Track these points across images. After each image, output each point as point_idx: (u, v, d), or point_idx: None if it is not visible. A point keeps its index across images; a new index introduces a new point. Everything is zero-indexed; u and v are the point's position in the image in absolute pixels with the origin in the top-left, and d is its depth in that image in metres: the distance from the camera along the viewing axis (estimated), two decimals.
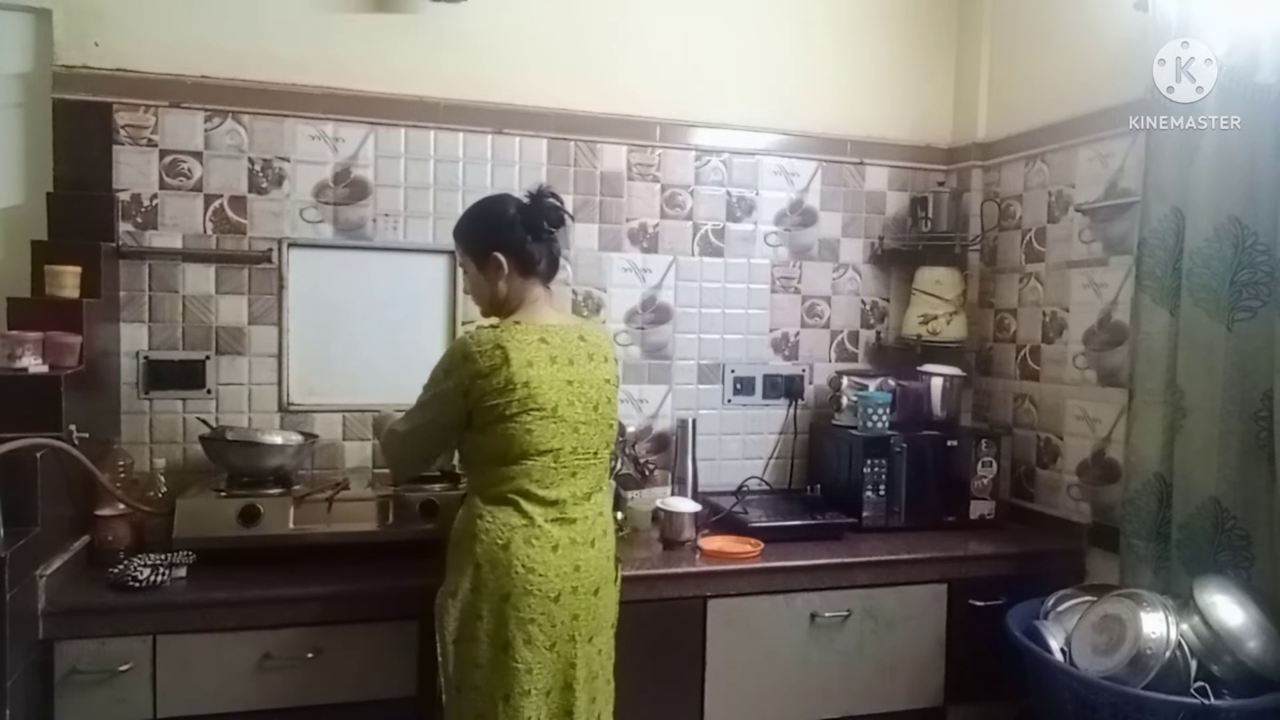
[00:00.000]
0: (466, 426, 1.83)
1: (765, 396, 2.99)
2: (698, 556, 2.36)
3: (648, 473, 2.71)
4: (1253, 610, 1.98)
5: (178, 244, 2.45)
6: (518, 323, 1.85)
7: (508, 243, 1.89)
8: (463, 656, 1.78)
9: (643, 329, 2.87)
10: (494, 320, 1.90)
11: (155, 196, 2.44)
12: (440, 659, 1.80)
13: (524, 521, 1.78)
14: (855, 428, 2.73)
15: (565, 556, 1.81)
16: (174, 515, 2.11)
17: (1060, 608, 2.33)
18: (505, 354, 1.77)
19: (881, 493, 2.65)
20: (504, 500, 1.80)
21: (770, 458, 2.99)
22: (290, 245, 2.53)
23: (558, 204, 1.95)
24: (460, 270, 1.99)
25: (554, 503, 1.82)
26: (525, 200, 1.93)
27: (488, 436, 1.80)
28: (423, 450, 1.94)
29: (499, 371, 1.76)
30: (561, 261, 2.01)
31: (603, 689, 1.91)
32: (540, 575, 1.77)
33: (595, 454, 1.89)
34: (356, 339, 2.59)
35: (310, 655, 2.01)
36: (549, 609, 1.78)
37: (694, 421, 2.80)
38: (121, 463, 2.22)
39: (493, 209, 1.96)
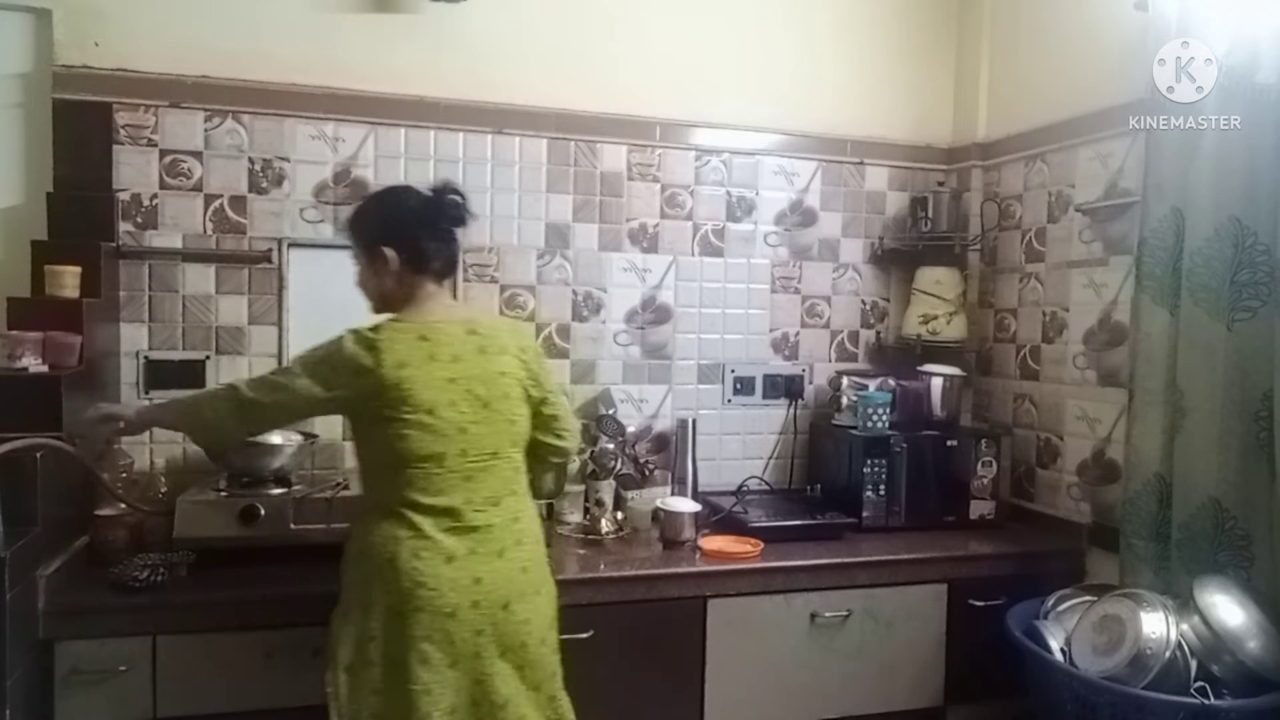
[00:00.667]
0: (352, 433, 1.78)
1: (765, 396, 2.98)
2: (698, 556, 2.36)
3: (648, 473, 2.71)
4: (1253, 610, 1.98)
5: (178, 244, 2.45)
6: (398, 321, 1.78)
7: (400, 237, 1.81)
8: (357, 684, 1.67)
9: (643, 329, 2.87)
10: (379, 319, 1.81)
11: (155, 196, 2.44)
12: (330, 688, 1.68)
13: (410, 533, 1.68)
14: (855, 428, 2.73)
15: (462, 569, 1.69)
16: (174, 515, 2.11)
17: (1060, 608, 2.33)
18: (377, 355, 1.69)
19: (881, 493, 2.65)
20: (390, 511, 1.71)
21: (770, 458, 2.99)
22: (290, 245, 2.53)
23: (460, 201, 1.86)
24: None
25: (446, 511, 1.71)
26: (428, 194, 1.85)
27: (368, 444, 1.74)
28: (259, 425, 1.85)
29: (370, 373, 1.69)
30: (461, 259, 1.94)
31: (541, 705, 1.80)
32: (431, 590, 1.66)
33: (495, 454, 1.77)
34: None
35: (310, 655, 2.00)
36: (445, 625, 1.67)
37: (694, 421, 2.80)
38: (121, 463, 2.22)
39: (389, 201, 1.88)
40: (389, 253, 1.80)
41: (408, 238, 1.81)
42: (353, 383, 1.70)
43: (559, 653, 1.88)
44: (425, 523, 1.69)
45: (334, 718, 1.68)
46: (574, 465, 2.10)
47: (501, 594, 1.73)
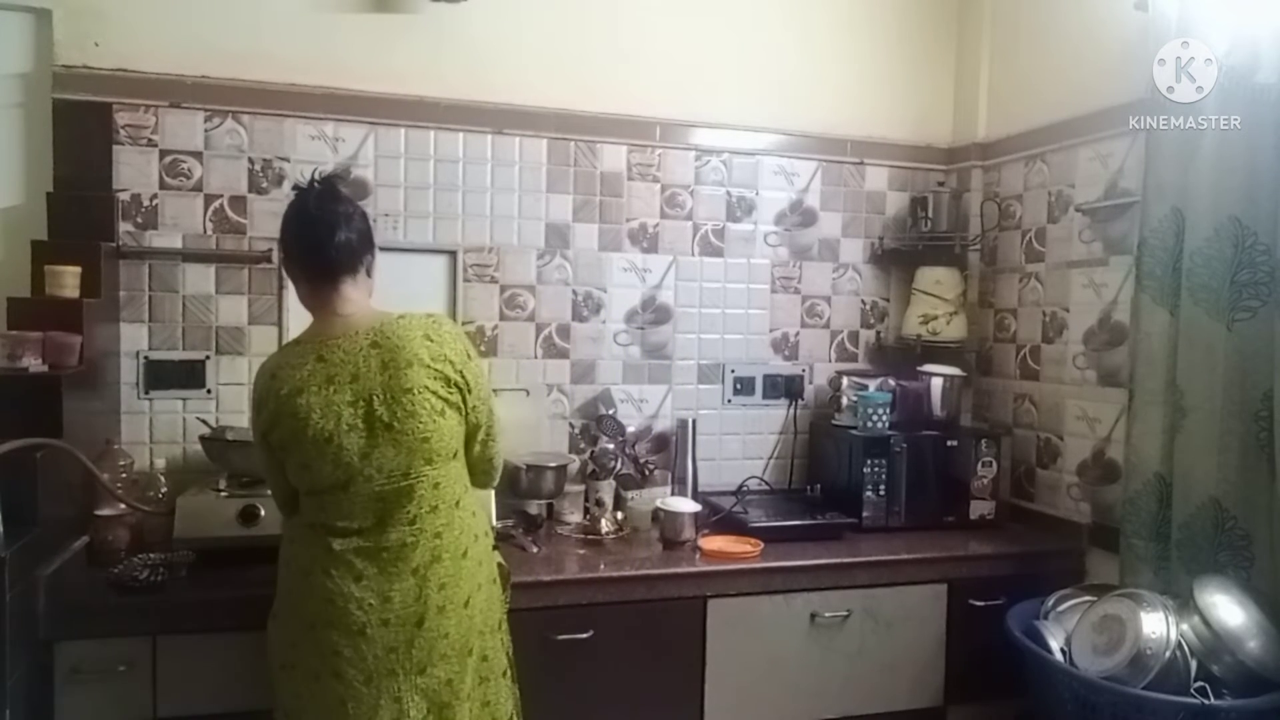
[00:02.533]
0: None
1: (765, 396, 2.99)
2: (698, 556, 2.36)
3: (648, 473, 2.71)
4: (1253, 610, 1.98)
5: (178, 244, 2.45)
6: (296, 344, 1.73)
7: (285, 247, 1.78)
8: (284, 684, 1.71)
9: (643, 329, 2.87)
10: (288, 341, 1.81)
11: (155, 196, 2.44)
12: (272, 684, 1.74)
13: (323, 550, 1.66)
14: (855, 428, 2.73)
15: (371, 588, 1.65)
16: (174, 515, 2.12)
17: (1060, 608, 2.33)
18: (274, 384, 1.66)
19: (881, 493, 2.65)
20: (309, 526, 1.70)
21: (770, 458, 2.99)
22: None
23: (324, 188, 1.74)
24: None
25: (358, 531, 1.66)
26: (293, 194, 1.78)
27: (287, 468, 1.71)
28: (284, 500, 1.79)
29: (268, 403, 1.66)
30: (370, 260, 1.79)
31: (474, 713, 1.75)
32: (340, 608, 1.64)
33: (406, 474, 1.66)
34: None
35: None
36: (354, 642, 1.64)
37: (694, 421, 2.80)
38: (121, 463, 2.22)
39: (285, 212, 1.79)
40: (286, 265, 1.81)
41: (291, 246, 1.77)
42: (264, 414, 1.69)
43: (502, 654, 1.85)
44: (337, 542, 1.66)
45: (276, 714, 1.74)
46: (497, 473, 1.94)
47: (414, 611, 1.67)
